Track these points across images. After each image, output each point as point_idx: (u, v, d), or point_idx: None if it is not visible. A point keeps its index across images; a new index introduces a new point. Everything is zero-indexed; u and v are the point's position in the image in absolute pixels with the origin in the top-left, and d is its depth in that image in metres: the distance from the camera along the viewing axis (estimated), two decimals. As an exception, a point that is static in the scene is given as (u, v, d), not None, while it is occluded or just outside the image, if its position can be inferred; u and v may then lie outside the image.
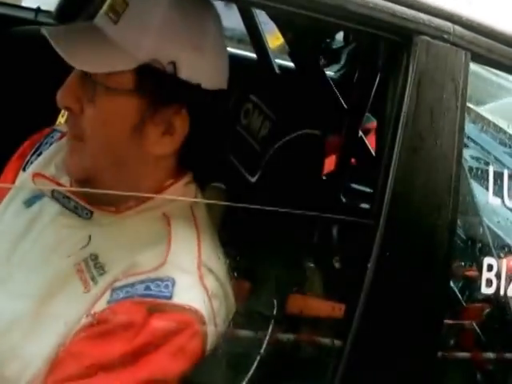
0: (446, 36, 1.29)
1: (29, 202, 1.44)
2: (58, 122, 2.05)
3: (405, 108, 1.26)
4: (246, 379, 1.32)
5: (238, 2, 1.78)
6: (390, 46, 1.36)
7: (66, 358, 1.24)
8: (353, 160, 1.84)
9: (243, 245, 1.38)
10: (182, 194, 1.35)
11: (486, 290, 1.40)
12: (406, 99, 1.26)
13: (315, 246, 1.63)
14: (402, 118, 1.26)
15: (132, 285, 1.24)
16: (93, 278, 1.28)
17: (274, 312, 1.41)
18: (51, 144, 1.51)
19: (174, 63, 1.27)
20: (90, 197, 1.33)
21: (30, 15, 2.62)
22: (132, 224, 1.32)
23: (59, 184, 1.37)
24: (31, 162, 1.50)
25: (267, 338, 1.38)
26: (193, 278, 1.26)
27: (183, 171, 1.36)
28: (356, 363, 1.25)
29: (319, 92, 1.94)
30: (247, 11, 2.19)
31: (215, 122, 1.35)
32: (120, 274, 1.26)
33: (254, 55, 2.52)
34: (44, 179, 1.38)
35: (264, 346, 1.36)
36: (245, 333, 1.36)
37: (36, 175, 1.41)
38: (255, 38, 2.44)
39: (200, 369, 1.23)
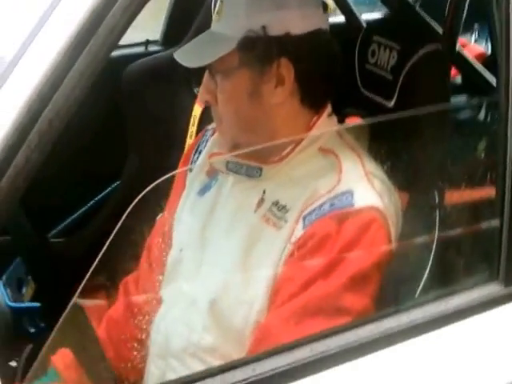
0: None
1: (203, 191, 1.67)
2: (190, 131, 2.38)
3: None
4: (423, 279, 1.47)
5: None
6: None
7: (280, 287, 1.46)
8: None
9: (391, 160, 1.57)
10: (328, 125, 1.56)
11: None
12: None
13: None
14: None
15: (319, 207, 1.45)
16: (280, 218, 1.50)
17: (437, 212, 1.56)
18: (207, 141, 1.74)
19: (264, 27, 1.48)
20: (254, 157, 1.55)
21: (141, 49, 2.79)
22: (296, 164, 1.53)
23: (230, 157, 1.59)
24: (194, 162, 1.75)
25: (436, 233, 1.52)
26: (365, 185, 1.47)
27: (321, 107, 1.56)
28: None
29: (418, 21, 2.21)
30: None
31: (321, 59, 1.53)
32: (303, 205, 1.48)
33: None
34: (217, 156, 1.63)
35: (434, 244, 1.50)
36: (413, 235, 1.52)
37: (211, 155, 1.67)
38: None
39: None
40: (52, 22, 1.04)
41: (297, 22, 1.50)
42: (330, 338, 1.22)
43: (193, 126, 2.36)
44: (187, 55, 1.59)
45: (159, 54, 2.67)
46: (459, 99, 2.27)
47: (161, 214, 1.77)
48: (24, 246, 1.56)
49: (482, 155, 1.80)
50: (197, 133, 2.28)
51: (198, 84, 2.16)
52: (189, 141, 2.33)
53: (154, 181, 1.22)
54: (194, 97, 2.39)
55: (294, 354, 1.19)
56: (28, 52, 1.04)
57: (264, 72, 1.50)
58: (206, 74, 1.55)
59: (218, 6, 1.56)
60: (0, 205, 1.01)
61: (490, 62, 3.03)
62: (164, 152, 2.33)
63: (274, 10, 1.50)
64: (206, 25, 1.64)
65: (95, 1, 1.04)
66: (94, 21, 1.04)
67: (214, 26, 1.56)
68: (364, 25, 2.57)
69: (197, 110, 2.36)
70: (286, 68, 1.50)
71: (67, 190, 2.50)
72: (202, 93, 1.59)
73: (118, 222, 1.15)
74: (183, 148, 2.25)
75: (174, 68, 2.29)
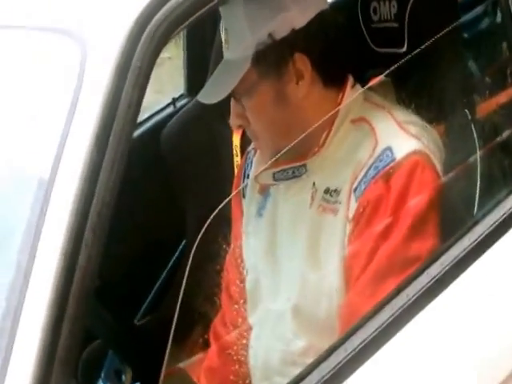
0: None
1: (260, 212, 1.73)
2: (235, 161, 2.40)
3: None
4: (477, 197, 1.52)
5: None
6: None
7: (351, 264, 1.51)
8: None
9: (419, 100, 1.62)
10: (352, 96, 1.59)
11: None
12: None
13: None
14: None
15: (365, 175, 1.51)
16: (335, 202, 1.55)
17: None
18: (252, 163, 1.79)
19: (270, 34, 1.53)
20: (296, 156, 1.59)
21: (171, 109, 2.80)
22: (335, 146, 1.58)
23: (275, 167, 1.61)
24: (246, 187, 1.79)
25: (477, 149, 1.56)
26: (400, 135, 1.52)
27: (343, 82, 1.60)
28: None
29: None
30: None
31: (330, 39, 1.56)
32: (350, 180, 1.53)
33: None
34: (264, 172, 1.65)
35: (478, 159, 1.55)
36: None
37: (256, 175, 1.71)
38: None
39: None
40: (75, 128, 1.10)
41: (298, 17, 1.54)
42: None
43: (237, 156, 2.40)
44: (209, 93, 1.63)
45: (187, 106, 2.70)
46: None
47: (229, 249, 1.82)
48: (112, 339, 1.65)
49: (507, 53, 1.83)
50: None
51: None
52: (236, 158, 2.39)
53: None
54: (231, 128, 2.36)
55: (375, 320, 1.25)
56: (62, 165, 1.09)
57: (283, 74, 1.54)
58: (232, 101, 1.60)
59: (223, 36, 1.61)
60: (77, 312, 1.06)
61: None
62: (219, 193, 2.30)
63: (275, 15, 1.53)
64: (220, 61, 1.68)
65: (106, 95, 1.09)
66: (110, 112, 1.10)
67: (226, 55, 1.61)
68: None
69: (236, 139, 2.41)
70: (301, 62, 1.54)
71: (138, 269, 2.47)
72: (233, 119, 1.64)
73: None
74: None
75: (205, 111, 2.41)
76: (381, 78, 1.69)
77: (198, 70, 2.73)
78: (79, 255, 1.07)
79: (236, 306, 1.78)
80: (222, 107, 2.33)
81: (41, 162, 1.13)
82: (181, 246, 2.66)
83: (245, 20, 1.54)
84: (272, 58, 1.54)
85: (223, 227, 1.75)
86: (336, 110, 1.56)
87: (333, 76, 1.58)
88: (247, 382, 1.70)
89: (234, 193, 1.80)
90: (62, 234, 1.07)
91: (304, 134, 1.49)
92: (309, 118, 1.56)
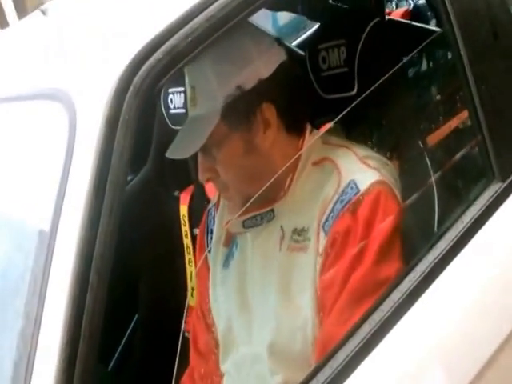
0: None
1: (227, 262, 1.75)
2: (183, 231, 2.43)
3: None
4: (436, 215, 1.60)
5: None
6: None
7: (324, 296, 1.54)
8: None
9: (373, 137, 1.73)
10: (312, 140, 1.65)
11: None
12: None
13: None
14: None
15: (332, 209, 1.55)
16: (303, 240, 1.59)
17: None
18: (214, 218, 1.83)
19: (238, 86, 1.57)
20: (264, 203, 1.63)
21: None
22: (300, 189, 1.63)
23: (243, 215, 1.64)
24: (210, 242, 1.82)
25: (431, 173, 1.66)
26: (362, 168, 1.58)
27: (303, 129, 1.66)
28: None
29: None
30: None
31: (293, 87, 1.62)
32: (318, 217, 1.57)
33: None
34: (233, 221, 1.68)
35: (433, 182, 1.64)
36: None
37: (226, 223, 1.74)
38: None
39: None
40: (72, 181, 1.19)
41: (264, 67, 1.59)
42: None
43: (184, 225, 2.45)
44: (179, 149, 1.64)
45: (132, 182, 2.71)
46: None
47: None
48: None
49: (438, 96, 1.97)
50: (190, 230, 2.40)
51: (176, 187, 2.43)
52: (185, 240, 2.43)
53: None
54: (177, 199, 2.50)
55: (357, 334, 1.33)
56: (63, 215, 1.18)
57: (251, 124, 1.59)
58: (200, 156, 1.63)
59: (189, 94, 1.62)
60: (88, 352, 1.14)
61: (414, 14, 3.26)
62: (170, 266, 2.42)
63: (242, 68, 1.58)
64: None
65: (99, 146, 1.18)
66: (105, 162, 1.18)
67: (192, 112, 1.62)
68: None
69: (183, 210, 2.46)
70: (268, 111, 1.59)
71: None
72: (202, 173, 1.65)
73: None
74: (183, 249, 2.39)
75: (150, 185, 2.52)
76: (335, 121, 1.73)
77: (139, 148, 2.75)
78: (86, 298, 1.15)
79: (206, 359, 1.80)
80: (168, 180, 2.49)
81: (41, 214, 1.22)
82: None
83: (213, 76, 1.58)
84: (241, 108, 1.57)
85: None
86: (299, 154, 1.62)
87: (295, 123, 1.64)
88: None
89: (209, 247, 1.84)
90: (68, 279, 1.16)
91: (272, 179, 1.54)
92: (275, 164, 1.60)
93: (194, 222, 2.32)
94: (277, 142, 1.62)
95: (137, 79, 1.20)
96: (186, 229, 2.45)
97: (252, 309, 1.68)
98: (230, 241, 1.76)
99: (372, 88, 1.52)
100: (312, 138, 1.65)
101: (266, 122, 1.60)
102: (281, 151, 1.63)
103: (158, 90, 1.21)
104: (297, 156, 1.62)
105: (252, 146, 1.60)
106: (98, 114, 1.20)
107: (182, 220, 2.47)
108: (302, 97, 1.65)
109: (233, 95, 1.57)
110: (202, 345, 1.84)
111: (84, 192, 1.18)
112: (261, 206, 1.64)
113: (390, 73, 1.52)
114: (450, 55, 1.71)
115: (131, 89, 1.19)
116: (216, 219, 1.82)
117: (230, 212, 1.74)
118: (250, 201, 1.54)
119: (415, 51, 1.56)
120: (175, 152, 1.65)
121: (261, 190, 1.52)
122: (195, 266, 1.94)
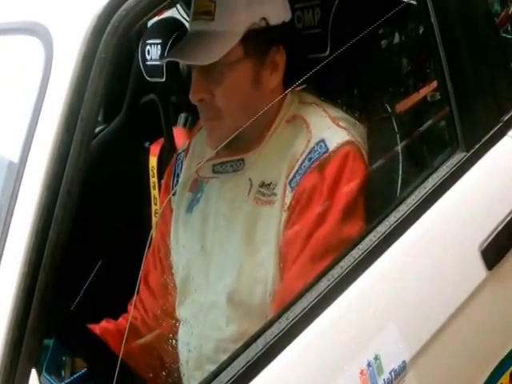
0: None
1: (191, 207, 1.77)
2: (151, 182, 2.47)
3: None
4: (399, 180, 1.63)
5: None
6: None
7: (286, 251, 1.56)
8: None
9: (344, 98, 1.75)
10: (290, 99, 1.68)
11: None
12: None
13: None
14: None
15: (300, 167, 1.59)
16: (270, 195, 1.62)
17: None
18: (182, 163, 1.85)
19: (264, 18, 1.61)
20: (236, 150, 1.65)
21: None
22: (272, 143, 1.66)
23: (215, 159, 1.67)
24: (175, 185, 1.84)
25: (398, 138, 1.68)
26: (333, 128, 1.61)
27: (287, 84, 1.64)
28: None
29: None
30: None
31: (299, 43, 1.69)
32: (285, 173, 1.60)
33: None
34: (205, 163, 1.69)
35: (399, 147, 1.67)
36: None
37: (197, 165, 1.74)
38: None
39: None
40: (44, 114, 1.18)
41: (285, 12, 1.66)
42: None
43: (153, 177, 2.48)
44: (188, 54, 1.63)
45: (103, 132, 2.72)
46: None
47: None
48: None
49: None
50: (158, 182, 2.41)
51: (148, 139, 2.46)
52: (153, 191, 2.46)
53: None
54: (147, 151, 2.53)
55: (315, 288, 1.36)
56: (32, 151, 1.18)
57: (264, 60, 1.62)
58: (196, 74, 1.63)
59: (205, 6, 1.62)
60: (47, 286, 1.15)
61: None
62: (137, 215, 2.47)
63: (270, 2, 1.63)
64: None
65: (73, 83, 1.17)
66: (78, 98, 1.18)
67: (207, 26, 1.61)
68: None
69: (153, 162, 2.49)
70: (279, 55, 1.63)
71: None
72: (195, 93, 1.64)
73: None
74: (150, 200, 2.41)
75: (122, 136, 2.55)
76: (303, 78, 1.74)
77: (114, 98, 2.75)
78: (49, 231, 1.16)
79: (161, 302, 1.82)
80: (140, 130, 2.51)
81: (12, 146, 1.22)
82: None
83: None
84: (261, 41, 1.61)
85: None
86: (280, 109, 1.66)
87: (290, 77, 1.64)
88: (177, 373, 1.72)
89: (172, 191, 1.85)
90: (33, 210, 1.16)
91: (256, 116, 1.56)
92: (267, 110, 1.61)
93: (162, 173, 2.27)
94: (275, 91, 1.65)
95: (115, 18, 1.21)
96: (154, 180, 2.48)
97: (213, 256, 1.69)
98: (196, 187, 1.78)
99: (343, 48, 1.56)
100: (292, 96, 1.69)
101: (275, 64, 1.63)
102: (273, 99, 1.63)
103: (136, 31, 1.21)
104: (279, 110, 1.66)
105: (257, 81, 1.63)
106: (74, 50, 1.20)
107: (150, 172, 2.49)
108: (304, 54, 1.71)
109: (257, 24, 1.60)
110: (152, 281, 1.86)
111: (55, 126, 1.18)
112: (232, 153, 1.66)
113: (362, 35, 1.54)
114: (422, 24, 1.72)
115: (109, 28, 1.20)
116: (184, 164, 1.84)
117: (207, 144, 1.73)
118: (230, 138, 1.54)
119: (388, 14, 1.57)
120: (183, 55, 1.65)
121: (244, 126, 1.53)
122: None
